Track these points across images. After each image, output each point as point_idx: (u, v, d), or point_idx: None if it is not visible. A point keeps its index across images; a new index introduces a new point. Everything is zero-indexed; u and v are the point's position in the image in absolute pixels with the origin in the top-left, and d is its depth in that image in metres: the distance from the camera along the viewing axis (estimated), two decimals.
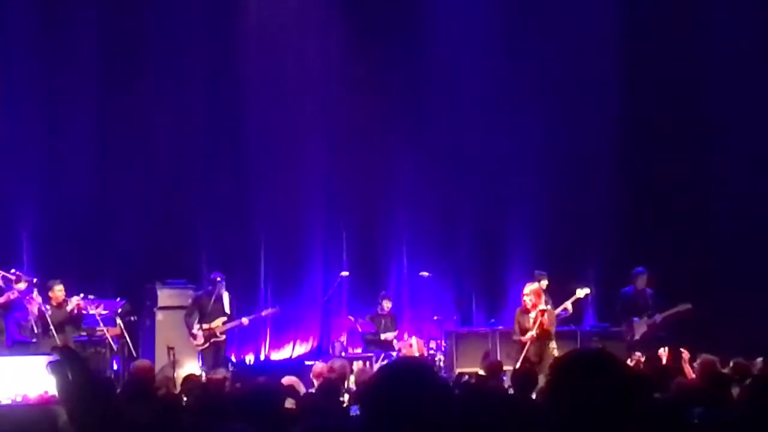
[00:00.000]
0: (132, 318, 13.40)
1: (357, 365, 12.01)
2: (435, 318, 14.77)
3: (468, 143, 16.18)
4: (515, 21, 16.27)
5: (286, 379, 8.22)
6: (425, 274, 14.96)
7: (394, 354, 13.55)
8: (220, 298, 13.28)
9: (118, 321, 12.94)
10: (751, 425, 5.04)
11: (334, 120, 16.24)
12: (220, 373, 10.33)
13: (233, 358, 14.41)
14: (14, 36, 14.96)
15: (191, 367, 12.72)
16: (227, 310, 13.37)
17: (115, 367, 12.86)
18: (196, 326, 13.16)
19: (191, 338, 13.17)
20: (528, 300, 12.50)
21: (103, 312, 12.65)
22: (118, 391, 8.30)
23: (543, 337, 12.29)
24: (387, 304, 14.52)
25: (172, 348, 12.73)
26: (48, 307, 12.03)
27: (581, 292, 12.94)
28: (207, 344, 13.14)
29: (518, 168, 16.09)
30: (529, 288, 12.56)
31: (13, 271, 12.02)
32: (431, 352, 14.20)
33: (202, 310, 13.24)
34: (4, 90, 14.86)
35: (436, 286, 15.19)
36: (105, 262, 14.58)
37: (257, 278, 15.73)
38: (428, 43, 16.21)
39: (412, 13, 16.30)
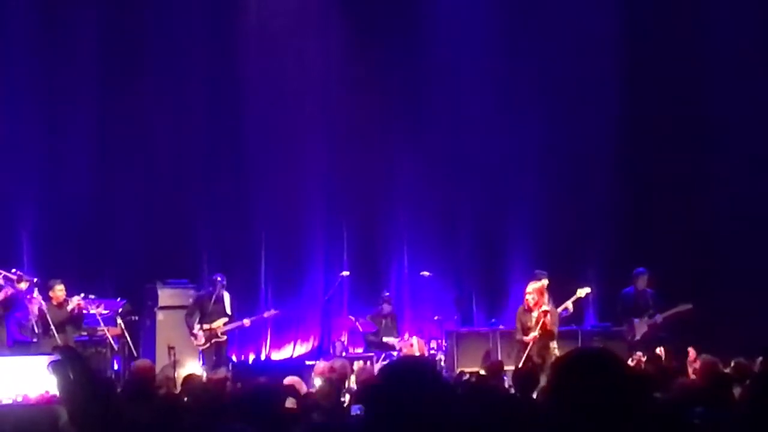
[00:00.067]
0: (133, 318, 13.40)
1: (358, 365, 12.00)
2: (435, 318, 14.76)
3: (468, 143, 16.18)
4: (515, 21, 16.27)
5: (288, 380, 8.21)
6: (426, 273, 14.95)
7: (395, 354, 13.54)
8: (220, 299, 13.28)
9: (119, 321, 12.94)
10: (752, 425, 5.03)
11: (335, 120, 16.24)
12: (221, 373, 10.34)
13: (234, 358, 14.42)
14: (14, 36, 14.95)
15: (192, 366, 12.72)
16: (228, 310, 13.37)
17: (116, 366, 12.86)
18: (197, 326, 13.17)
19: (192, 338, 13.17)
20: (531, 298, 12.52)
21: (104, 312, 12.64)
22: (119, 390, 8.29)
23: (545, 337, 12.32)
24: (387, 308, 14.53)
25: (173, 348, 12.71)
26: (48, 306, 12.02)
27: (582, 292, 12.95)
28: (208, 344, 13.14)
29: (518, 168, 16.09)
30: (532, 286, 12.58)
31: (14, 270, 12.02)
32: (432, 352, 14.19)
33: (202, 310, 13.24)
34: (4, 90, 14.85)
35: (436, 286, 15.19)
36: (105, 261, 14.58)
37: (258, 278, 15.73)
38: (428, 43, 16.21)
39: (412, 13, 16.30)
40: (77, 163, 15.05)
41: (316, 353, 14.94)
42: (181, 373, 11.28)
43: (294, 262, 15.77)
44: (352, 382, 10.17)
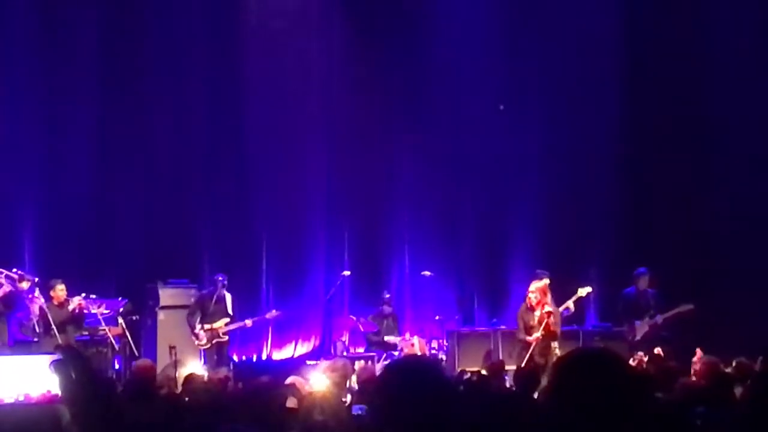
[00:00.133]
0: (134, 317, 13.39)
1: (359, 364, 12.00)
2: (437, 318, 14.77)
3: (469, 143, 16.20)
4: (515, 21, 16.29)
5: (290, 379, 8.21)
6: (427, 273, 14.96)
7: (396, 353, 13.54)
8: (222, 299, 13.28)
9: (120, 320, 12.94)
10: (754, 425, 5.03)
11: (335, 120, 16.25)
12: (222, 373, 10.34)
13: (235, 358, 14.42)
14: (14, 36, 14.93)
15: (193, 366, 12.71)
16: (230, 310, 13.37)
17: (117, 366, 12.86)
18: (198, 326, 13.17)
19: (194, 338, 13.18)
20: (533, 297, 12.53)
21: (105, 311, 12.64)
22: (120, 390, 8.29)
23: (547, 337, 12.34)
24: (387, 309, 14.53)
25: (174, 347, 12.71)
26: (50, 306, 12.03)
27: (583, 291, 12.95)
28: (209, 344, 13.14)
29: (519, 167, 16.10)
30: (535, 285, 12.59)
31: (15, 270, 12.03)
32: (433, 351, 14.19)
33: (204, 309, 13.24)
34: (5, 90, 14.84)
35: (437, 286, 15.20)
36: (107, 261, 14.58)
37: (259, 278, 15.74)
38: (429, 43, 16.21)
39: (412, 14, 16.31)
40: (78, 163, 15.05)
41: (317, 353, 14.95)
42: (182, 372, 11.28)
43: (295, 262, 15.78)
44: (353, 382, 10.16)
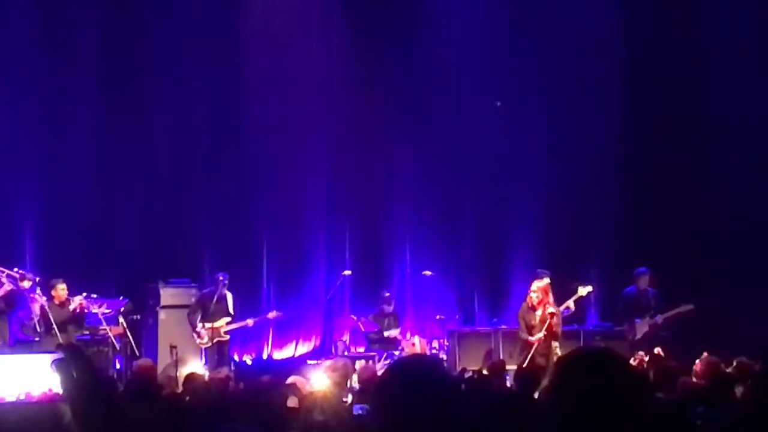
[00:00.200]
0: (135, 317, 13.40)
1: (360, 364, 12.00)
2: (437, 317, 14.77)
3: (469, 143, 16.20)
4: (515, 21, 16.29)
5: (291, 379, 8.23)
6: (428, 273, 14.97)
7: (397, 353, 13.54)
8: (223, 298, 13.29)
9: (121, 320, 12.94)
10: (754, 424, 5.05)
11: (336, 120, 16.25)
12: (223, 373, 10.35)
13: (236, 357, 14.43)
14: (14, 36, 14.93)
15: (194, 365, 12.73)
16: (230, 309, 13.39)
17: (118, 366, 12.86)
18: (199, 325, 13.18)
19: (195, 336, 13.18)
20: (535, 297, 12.54)
21: (106, 311, 12.65)
22: (121, 390, 8.30)
23: (549, 338, 12.36)
24: (387, 308, 14.52)
25: (175, 347, 12.73)
26: (51, 306, 12.03)
27: (583, 290, 12.96)
28: (211, 343, 13.14)
29: (520, 167, 16.11)
30: (537, 285, 12.61)
31: (16, 269, 12.03)
32: (434, 351, 14.19)
33: (205, 308, 13.24)
34: (5, 90, 14.84)
35: (438, 286, 15.21)
36: (107, 261, 14.57)
37: (260, 278, 15.74)
38: (429, 43, 16.21)
39: (412, 14, 16.31)
40: (78, 163, 15.05)
41: (318, 352, 14.95)
42: (183, 372, 11.30)
43: (296, 262, 15.77)
44: (354, 382, 10.17)
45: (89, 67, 15.27)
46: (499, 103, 16.09)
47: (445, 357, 14.11)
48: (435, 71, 16.33)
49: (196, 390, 8.34)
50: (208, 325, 13.13)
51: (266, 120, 16.04)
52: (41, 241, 14.25)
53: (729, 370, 8.53)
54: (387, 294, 14.69)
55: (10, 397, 9.67)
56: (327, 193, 16.15)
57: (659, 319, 13.04)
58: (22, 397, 9.62)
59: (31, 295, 11.93)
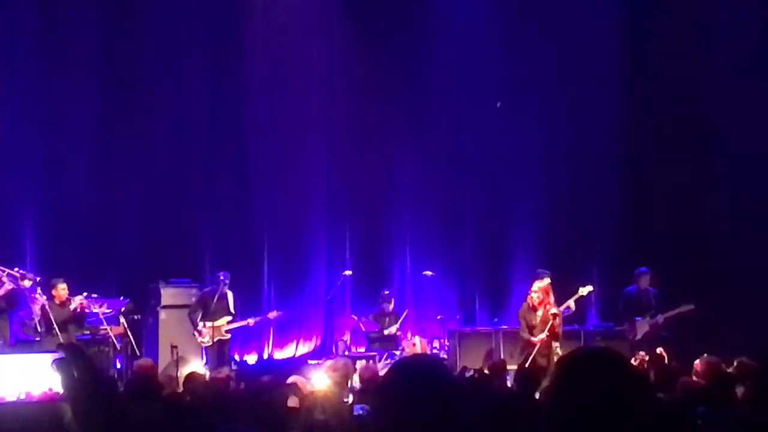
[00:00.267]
0: (135, 317, 13.40)
1: (360, 364, 12.01)
2: (438, 317, 14.79)
3: (470, 143, 16.21)
4: (515, 21, 16.30)
5: (292, 378, 8.23)
6: (428, 273, 14.98)
7: (398, 353, 13.55)
8: (224, 297, 13.30)
9: (122, 320, 12.95)
10: (755, 424, 5.05)
11: (336, 120, 16.27)
12: (224, 372, 10.35)
13: (236, 357, 14.43)
14: (14, 36, 14.94)
15: (195, 365, 12.74)
16: (231, 308, 13.40)
17: (119, 365, 12.86)
18: (200, 323, 13.19)
19: (196, 335, 13.19)
20: (536, 297, 12.55)
21: (107, 311, 12.65)
22: (122, 389, 8.30)
23: (551, 338, 12.37)
24: (389, 306, 14.52)
25: (176, 347, 12.75)
26: (51, 305, 12.03)
27: (584, 290, 12.96)
28: (212, 342, 13.15)
29: (520, 167, 16.12)
30: (538, 285, 12.62)
31: (17, 269, 12.04)
32: (434, 351, 14.19)
33: (205, 307, 13.25)
34: (5, 90, 14.84)
35: (439, 286, 15.22)
36: (108, 261, 14.57)
37: (260, 278, 15.74)
38: (429, 43, 16.23)
39: (412, 14, 16.32)
40: (79, 163, 15.05)
41: (319, 352, 14.96)
42: (184, 372, 11.30)
43: (296, 262, 15.79)
44: (354, 382, 10.17)
45: (89, 68, 15.27)
46: (499, 104, 16.09)
47: (445, 357, 14.12)
48: (435, 71, 16.34)
49: (196, 390, 8.35)
50: (209, 323, 13.13)
51: (267, 120, 16.05)
52: (42, 241, 14.25)
53: (730, 370, 8.53)
54: (386, 292, 14.69)
55: (11, 396, 9.66)
56: (327, 193, 16.16)
57: (660, 318, 13.04)
58: (23, 396, 9.61)
59: (32, 295, 11.93)
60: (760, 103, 14.93)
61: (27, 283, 11.86)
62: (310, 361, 13.28)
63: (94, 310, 12.46)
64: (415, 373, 2.75)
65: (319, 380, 8.59)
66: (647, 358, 11.20)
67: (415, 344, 13.96)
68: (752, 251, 14.41)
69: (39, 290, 12.01)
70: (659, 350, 11.78)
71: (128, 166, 15.15)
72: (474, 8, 16.41)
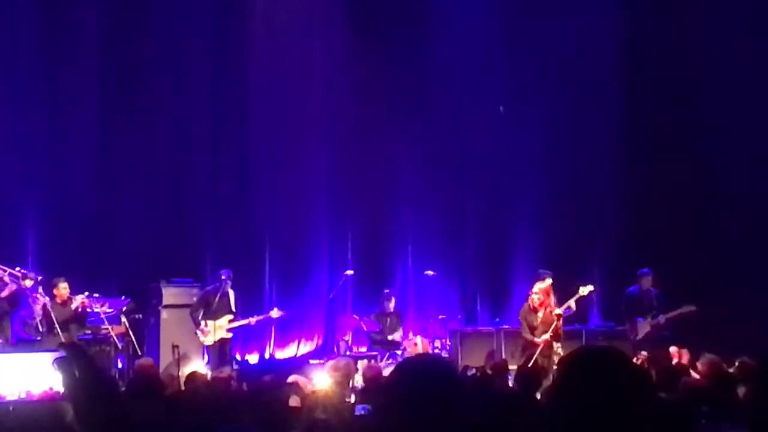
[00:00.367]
0: (137, 316, 13.40)
1: (362, 364, 12.02)
2: (440, 317, 14.79)
3: (471, 143, 16.22)
4: (515, 21, 16.30)
5: (293, 378, 8.23)
6: (430, 273, 14.99)
7: (399, 353, 13.56)
8: (226, 295, 13.30)
9: (123, 319, 12.95)
10: (756, 424, 5.05)
11: (337, 120, 16.27)
12: (225, 372, 10.36)
13: (238, 357, 14.44)
14: (15, 36, 14.94)
15: (196, 365, 12.75)
16: (233, 307, 13.40)
17: (120, 365, 12.86)
18: (202, 322, 13.19)
19: (198, 333, 13.19)
20: (536, 298, 12.56)
21: (108, 310, 12.66)
22: (123, 389, 8.31)
23: (553, 338, 12.38)
24: (390, 305, 14.52)
25: (177, 346, 12.76)
26: (53, 305, 12.04)
27: (584, 290, 12.95)
28: (213, 341, 13.15)
29: (522, 167, 16.12)
30: (539, 286, 12.62)
31: (18, 268, 12.04)
32: (436, 351, 14.20)
33: (207, 306, 13.26)
34: (6, 90, 14.84)
35: (440, 285, 15.23)
36: (109, 260, 14.57)
37: (262, 277, 15.74)
38: (429, 43, 16.23)
39: (413, 14, 16.33)
40: (80, 162, 15.05)
41: (320, 352, 14.97)
42: (185, 371, 11.31)
43: (298, 261, 15.78)
44: (356, 381, 10.18)
45: (90, 67, 15.27)
46: (502, 108, 16.10)
47: (447, 357, 14.12)
48: (436, 71, 16.35)
49: (197, 389, 8.34)
50: (210, 322, 13.13)
51: (268, 119, 16.05)
52: (43, 241, 14.25)
53: (731, 370, 8.53)
54: (387, 291, 14.69)
55: (12, 395, 9.66)
56: (329, 192, 16.17)
57: (661, 319, 13.05)
58: (23, 395, 9.61)
59: (34, 295, 11.93)
60: (760, 103, 14.93)
61: (28, 283, 11.85)
62: (311, 361, 13.29)
63: (96, 310, 12.46)
64: (420, 374, 2.75)
65: (320, 380, 8.60)
66: (647, 356, 11.21)
67: (417, 344, 13.96)
68: (752, 251, 14.41)
69: (40, 290, 12.01)
70: (673, 349, 11.76)
71: (129, 166, 15.16)
72: (474, 8, 16.42)
